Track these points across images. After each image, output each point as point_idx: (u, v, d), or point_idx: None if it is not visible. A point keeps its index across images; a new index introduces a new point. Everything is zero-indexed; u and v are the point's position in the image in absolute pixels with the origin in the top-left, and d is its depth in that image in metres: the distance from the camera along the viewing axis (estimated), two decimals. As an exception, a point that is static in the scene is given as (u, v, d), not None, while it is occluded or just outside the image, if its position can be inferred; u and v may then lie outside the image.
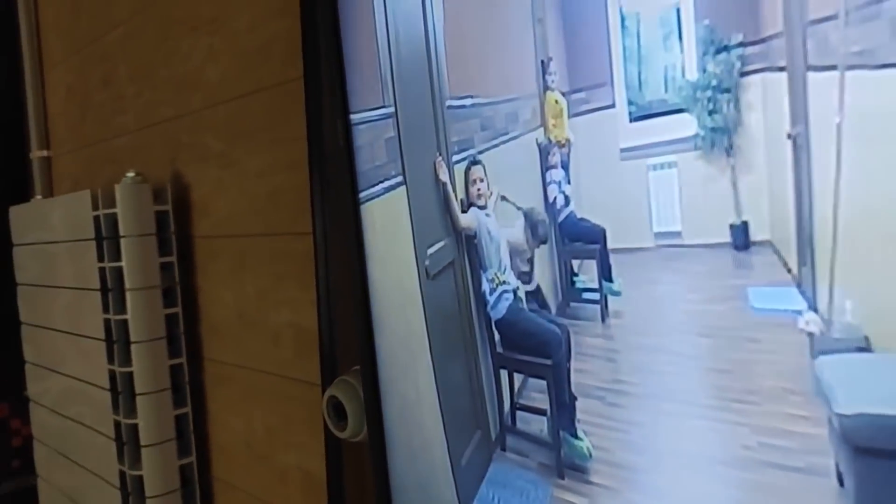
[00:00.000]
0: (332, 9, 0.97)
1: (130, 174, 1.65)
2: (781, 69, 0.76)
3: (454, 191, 0.97)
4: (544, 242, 0.96)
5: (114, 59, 2.01)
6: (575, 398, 0.87)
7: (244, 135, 1.54)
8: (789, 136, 0.76)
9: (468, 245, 0.98)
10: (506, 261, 0.96)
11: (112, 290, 1.65)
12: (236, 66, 1.54)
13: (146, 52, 1.86)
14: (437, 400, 1.03)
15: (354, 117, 0.99)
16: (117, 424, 1.69)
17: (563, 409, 0.86)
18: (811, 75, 0.73)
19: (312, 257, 1.30)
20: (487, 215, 0.97)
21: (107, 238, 1.65)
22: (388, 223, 1.03)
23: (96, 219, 1.67)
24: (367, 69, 0.97)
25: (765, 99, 0.79)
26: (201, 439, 1.76)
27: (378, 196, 1.01)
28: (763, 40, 0.77)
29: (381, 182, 1.01)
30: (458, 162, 0.97)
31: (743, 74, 0.80)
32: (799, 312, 0.74)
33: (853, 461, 0.62)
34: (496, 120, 0.97)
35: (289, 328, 1.48)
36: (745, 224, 0.83)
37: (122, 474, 1.69)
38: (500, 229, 0.97)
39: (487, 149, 0.97)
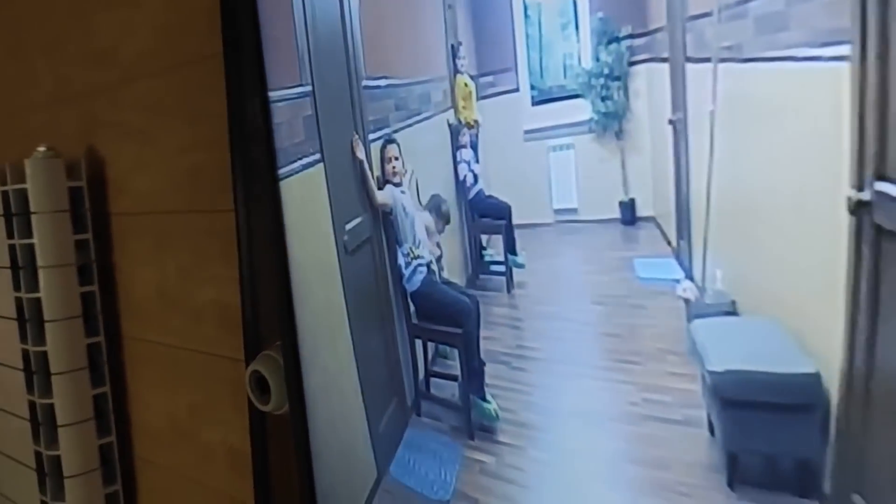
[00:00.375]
0: (250, -14, 0.97)
1: (42, 148, 1.60)
2: (664, 60, 0.84)
3: (370, 168, 1.00)
4: (448, 223, 1.01)
5: (22, 31, 1.93)
6: (483, 364, 0.93)
7: (164, 110, 1.51)
8: (670, 122, 0.84)
9: (384, 221, 1.01)
10: (420, 235, 1.00)
11: (24, 267, 1.60)
12: (155, 40, 1.51)
13: (58, 25, 1.79)
14: (356, 370, 1.07)
15: (273, 95, 1.01)
16: (32, 405, 1.65)
17: (473, 374, 0.92)
18: (689, 66, 0.81)
19: (235, 234, 1.30)
20: (403, 192, 1.01)
21: (17, 214, 1.60)
22: (306, 200, 1.05)
23: (4, 194, 1.62)
24: (284, 48, 0.99)
25: (650, 87, 0.87)
26: (122, 418, 1.74)
27: (297, 173, 1.04)
28: (649, 33, 0.85)
29: (300, 159, 1.03)
30: (374, 140, 1.00)
31: (631, 64, 0.88)
32: (677, 281, 0.83)
33: (722, 412, 0.71)
34: (410, 100, 1.00)
35: (212, 305, 1.48)
36: (632, 201, 0.92)
37: (38, 455, 1.66)
38: (414, 207, 1.02)
39: (402, 128, 1.01)
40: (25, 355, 1.64)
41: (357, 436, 1.08)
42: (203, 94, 1.40)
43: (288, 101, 1.01)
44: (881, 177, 0.57)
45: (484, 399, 0.92)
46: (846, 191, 0.60)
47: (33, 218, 1.56)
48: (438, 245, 1.00)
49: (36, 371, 1.63)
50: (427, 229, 1.01)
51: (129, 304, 1.70)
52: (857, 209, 0.59)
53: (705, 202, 0.79)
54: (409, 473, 0.97)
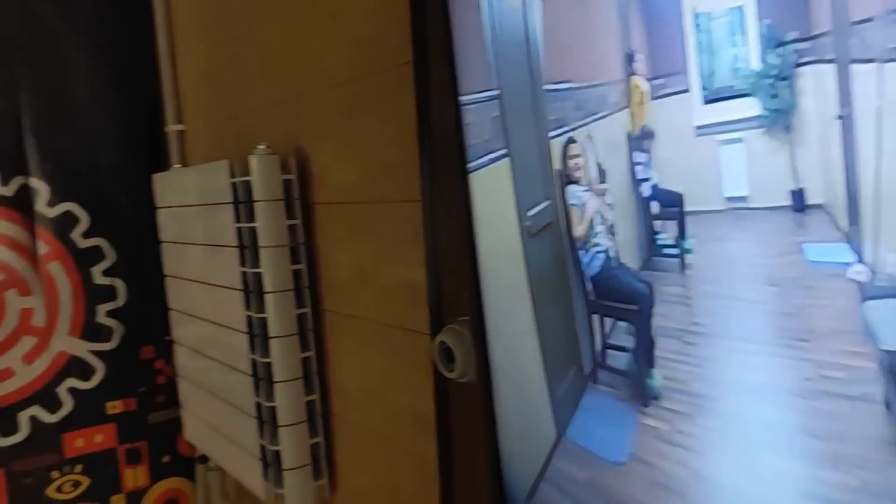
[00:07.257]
0: (444, 7, 1.11)
1: (262, 146, 1.86)
2: (830, 61, 0.87)
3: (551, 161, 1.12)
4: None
5: (241, 44, 2.23)
6: (654, 339, 1.01)
7: (360, 113, 1.71)
8: (839, 117, 0.87)
9: (566, 211, 1.13)
10: (598, 227, 1.10)
11: (247, 247, 1.89)
12: (352, 51, 1.70)
13: (271, 39, 2.06)
14: (538, 341, 1.19)
15: (464, 99, 1.15)
16: (254, 363, 1.94)
17: (646, 347, 1.01)
18: (854, 66, 0.84)
19: (421, 222, 1.46)
20: (586, 191, 1.11)
21: (242, 202, 1.89)
22: (493, 189, 1.19)
23: (233, 185, 1.90)
24: (474, 59, 1.12)
25: (816, 86, 0.91)
26: (323, 380, 1.99)
27: (485, 166, 1.17)
28: (814, 37, 0.89)
29: (488, 154, 1.16)
30: (554, 137, 1.12)
31: (798, 65, 0.92)
32: (848, 264, 0.86)
33: (896, 389, 0.73)
34: (588, 102, 1.11)
35: (401, 284, 1.65)
36: (801, 190, 0.96)
37: (258, 406, 1.95)
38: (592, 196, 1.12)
39: (580, 126, 1.11)
40: (249, 321, 1.93)
41: (538, 400, 1.21)
42: (395, 98, 1.55)
43: (478, 103, 1.15)
44: None
45: (652, 369, 1.01)
46: None
47: (256, 206, 1.83)
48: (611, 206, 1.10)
49: (257, 334, 1.91)
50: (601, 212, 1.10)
51: (330, 282, 1.93)
52: None
53: (874, 191, 0.83)
54: (586, 436, 1.08)
